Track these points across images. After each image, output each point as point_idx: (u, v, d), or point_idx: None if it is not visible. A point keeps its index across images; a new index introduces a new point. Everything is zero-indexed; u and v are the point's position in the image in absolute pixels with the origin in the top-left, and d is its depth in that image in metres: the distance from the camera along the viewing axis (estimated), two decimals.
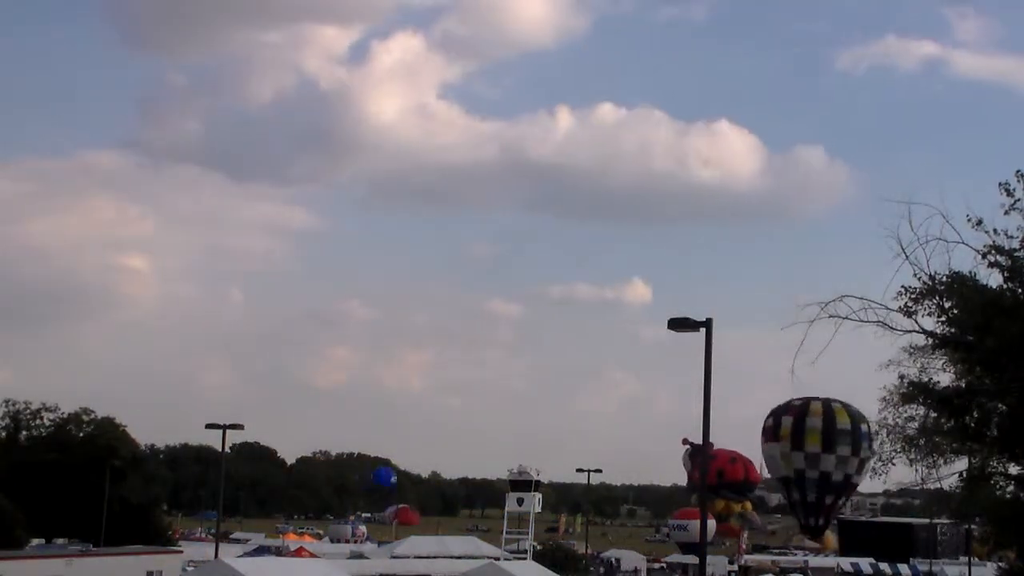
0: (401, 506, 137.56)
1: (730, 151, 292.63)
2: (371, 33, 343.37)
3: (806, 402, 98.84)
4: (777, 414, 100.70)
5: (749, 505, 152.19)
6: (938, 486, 25.11)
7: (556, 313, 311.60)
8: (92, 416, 71.31)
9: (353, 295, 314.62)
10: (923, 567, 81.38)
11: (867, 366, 25.00)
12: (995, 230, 21.24)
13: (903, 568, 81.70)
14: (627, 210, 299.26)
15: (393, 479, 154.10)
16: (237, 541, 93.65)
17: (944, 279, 21.77)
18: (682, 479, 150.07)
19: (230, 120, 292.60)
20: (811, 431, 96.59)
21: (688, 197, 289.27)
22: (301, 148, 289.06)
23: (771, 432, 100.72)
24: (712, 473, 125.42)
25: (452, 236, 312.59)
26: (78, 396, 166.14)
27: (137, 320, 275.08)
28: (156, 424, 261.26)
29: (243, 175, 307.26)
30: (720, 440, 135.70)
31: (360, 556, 76.51)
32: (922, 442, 23.87)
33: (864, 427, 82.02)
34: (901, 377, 23.32)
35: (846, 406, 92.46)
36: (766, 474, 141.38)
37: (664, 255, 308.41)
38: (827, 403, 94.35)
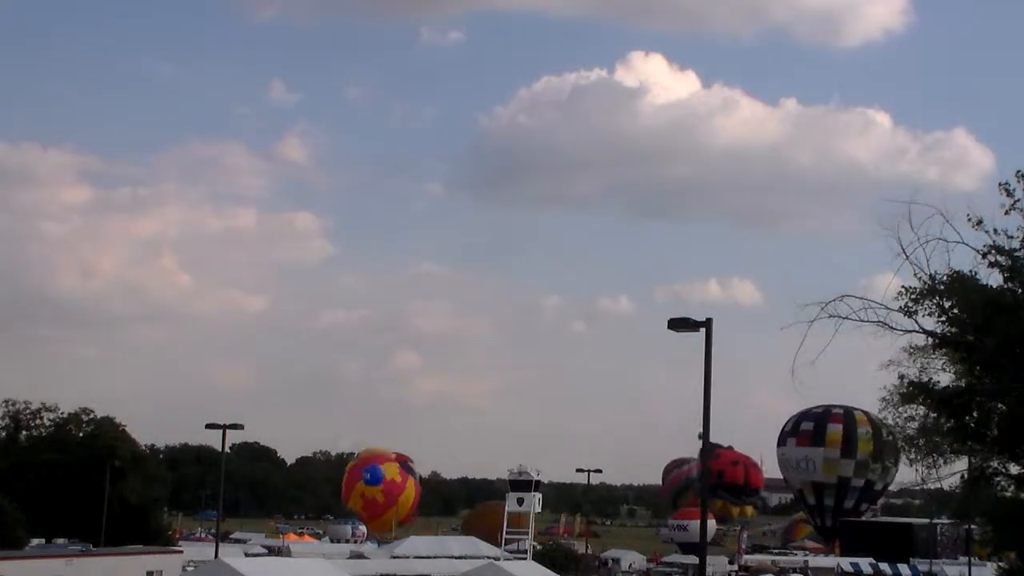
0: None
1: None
2: None
3: (847, 411, 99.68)
4: (817, 419, 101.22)
5: (750, 509, 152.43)
6: (938, 486, 25.14)
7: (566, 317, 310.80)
8: (92, 416, 71.28)
9: (351, 293, 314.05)
10: (923, 567, 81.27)
11: (867, 366, 25.01)
12: (995, 230, 21.31)
13: (903, 568, 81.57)
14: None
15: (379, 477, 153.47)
16: (237, 541, 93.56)
17: (944, 279, 21.78)
18: None
19: None
20: (863, 439, 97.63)
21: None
22: None
23: (810, 436, 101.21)
24: (712, 474, 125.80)
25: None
26: (79, 396, 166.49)
27: (141, 318, 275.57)
28: (156, 424, 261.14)
29: None
30: (745, 442, 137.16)
31: (360, 556, 76.50)
32: (922, 442, 23.90)
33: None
34: (901, 377, 23.35)
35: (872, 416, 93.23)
36: (776, 475, 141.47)
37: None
38: (866, 413, 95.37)
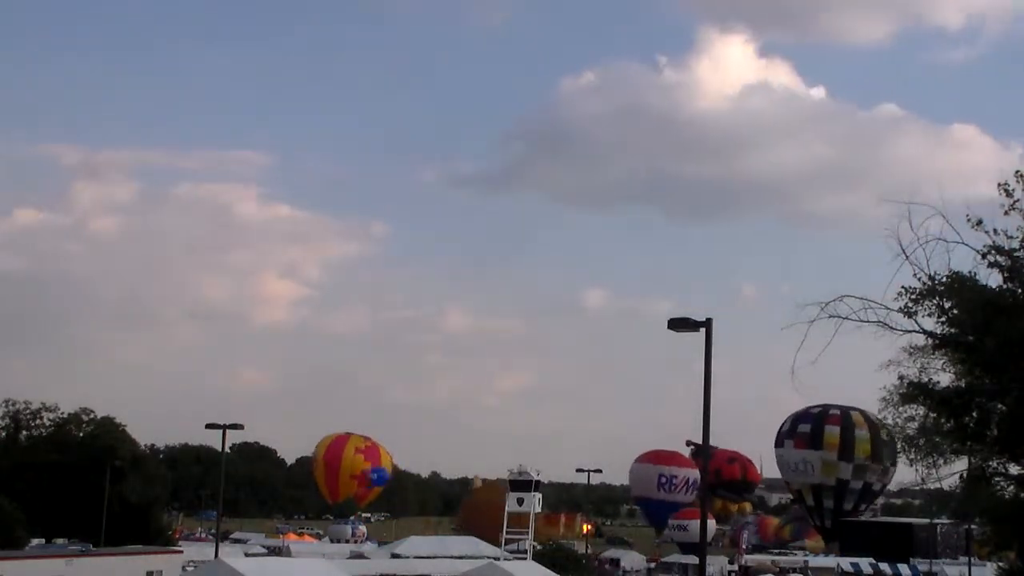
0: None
1: None
2: None
3: (845, 412, 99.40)
4: (815, 421, 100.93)
5: (748, 506, 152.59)
6: (938, 486, 25.15)
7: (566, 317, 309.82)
8: (92, 416, 71.37)
9: (351, 295, 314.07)
10: (923, 567, 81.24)
11: (867, 366, 25.05)
12: (995, 230, 21.30)
13: (903, 568, 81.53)
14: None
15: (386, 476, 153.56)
16: (237, 541, 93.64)
17: (944, 279, 21.78)
18: None
19: None
20: (860, 442, 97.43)
21: None
22: None
23: (807, 439, 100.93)
24: (709, 472, 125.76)
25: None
26: (80, 396, 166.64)
27: (142, 316, 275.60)
28: (156, 424, 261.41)
29: None
30: (741, 441, 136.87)
31: (360, 556, 76.53)
32: (922, 442, 23.91)
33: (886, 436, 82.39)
34: (901, 377, 23.36)
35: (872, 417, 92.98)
36: (767, 474, 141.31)
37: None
38: (864, 413, 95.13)
